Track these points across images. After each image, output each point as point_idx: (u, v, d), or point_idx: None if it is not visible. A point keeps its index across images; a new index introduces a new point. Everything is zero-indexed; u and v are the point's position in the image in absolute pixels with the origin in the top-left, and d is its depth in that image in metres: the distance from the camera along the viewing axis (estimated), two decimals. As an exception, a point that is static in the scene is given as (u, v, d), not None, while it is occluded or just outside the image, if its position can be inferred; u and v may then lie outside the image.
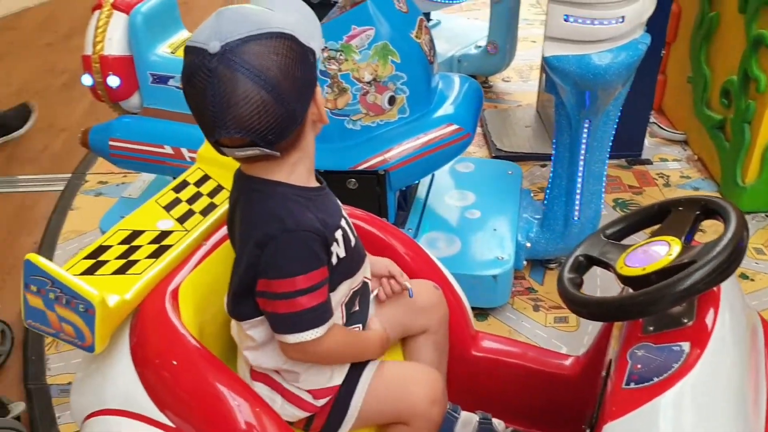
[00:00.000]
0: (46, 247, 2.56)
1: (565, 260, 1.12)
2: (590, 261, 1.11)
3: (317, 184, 1.16)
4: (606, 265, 1.08)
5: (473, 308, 2.09)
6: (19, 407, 1.83)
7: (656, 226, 1.13)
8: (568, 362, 1.42)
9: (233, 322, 1.21)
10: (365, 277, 1.25)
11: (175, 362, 1.08)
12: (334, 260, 1.12)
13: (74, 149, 2.98)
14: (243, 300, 1.12)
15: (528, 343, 1.53)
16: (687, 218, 1.08)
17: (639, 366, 0.92)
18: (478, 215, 2.29)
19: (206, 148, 1.42)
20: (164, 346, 1.09)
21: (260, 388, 1.20)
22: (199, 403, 1.06)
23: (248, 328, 1.16)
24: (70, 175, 2.99)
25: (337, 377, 1.21)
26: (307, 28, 1.02)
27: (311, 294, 1.07)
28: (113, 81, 2.15)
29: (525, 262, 2.25)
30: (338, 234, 1.13)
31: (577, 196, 2.12)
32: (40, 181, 2.99)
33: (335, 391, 1.20)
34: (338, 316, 1.17)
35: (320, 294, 1.08)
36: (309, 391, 1.19)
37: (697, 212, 1.09)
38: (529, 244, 2.22)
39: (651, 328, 0.99)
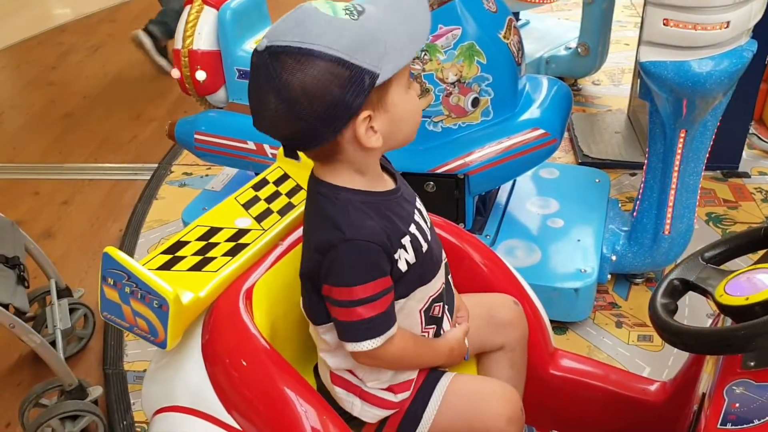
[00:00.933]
0: (130, 235, 2.62)
1: (658, 284, 1.04)
2: (686, 286, 1.03)
3: (389, 188, 1.12)
4: (704, 292, 1.00)
5: (552, 321, 2.04)
6: (97, 391, 1.87)
7: (761, 252, 1.04)
8: (653, 387, 1.33)
9: (311, 325, 1.19)
10: (444, 282, 1.20)
11: (244, 363, 1.07)
12: (402, 267, 1.09)
13: (162, 140, 3.06)
14: (315, 304, 1.11)
15: (610, 365, 1.45)
16: None
17: (737, 405, 0.84)
18: (561, 224, 2.21)
19: (286, 147, 1.41)
20: (235, 346, 1.08)
21: (339, 392, 1.19)
22: (265, 406, 1.05)
23: (323, 332, 1.15)
24: (156, 165, 3.06)
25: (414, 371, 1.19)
26: (384, 45, 0.98)
27: (369, 305, 1.04)
28: (200, 75, 2.17)
29: (609, 276, 2.16)
30: (405, 240, 1.09)
31: (669, 209, 2.01)
32: (128, 170, 3.08)
33: (413, 385, 1.18)
34: (416, 322, 1.15)
35: (380, 304, 1.05)
36: (388, 388, 1.17)
37: None
38: (614, 257, 2.12)
39: (752, 364, 0.90)
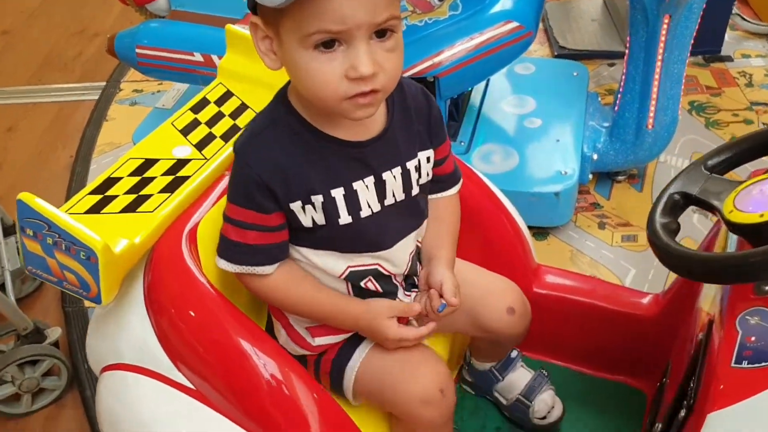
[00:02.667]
0: (81, 161, 2.46)
1: (656, 199, 0.91)
2: (688, 200, 0.90)
3: (347, 137, 0.95)
4: (709, 207, 0.87)
5: (532, 227, 1.94)
6: (55, 333, 1.76)
7: None
8: (645, 301, 1.24)
9: None
10: (381, 266, 1.04)
11: (192, 313, 0.95)
12: (305, 222, 0.96)
13: (108, 56, 2.83)
14: None
15: (598, 279, 1.35)
16: None
17: (753, 339, 0.74)
18: (539, 124, 2.08)
19: (228, 59, 1.25)
20: (180, 295, 0.96)
21: (272, 317, 1.12)
22: (217, 360, 0.93)
23: None
24: (104, 83, 2.86)
25: None
26: None
27: (235, 228, 0.96)
28: (137, -19, 1.97)
29: (590, 176, 2.05)
30: (317, 199, 0.95)
31: (653, 102, 1.89)
32: (75, 90, 2.87)
33: (336, 337, 1.08)
34: (338, 285, 1.04)
35: (246, 235, 0.96)
36: (307, 328, 1.08)
37: None
38: (595, 156, 2.01)
39: (767, 288, 0.79)
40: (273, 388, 0.91)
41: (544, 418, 1.27)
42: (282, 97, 0.97)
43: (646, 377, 1.25)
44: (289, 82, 0.96)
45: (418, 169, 1.02)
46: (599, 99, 2.23)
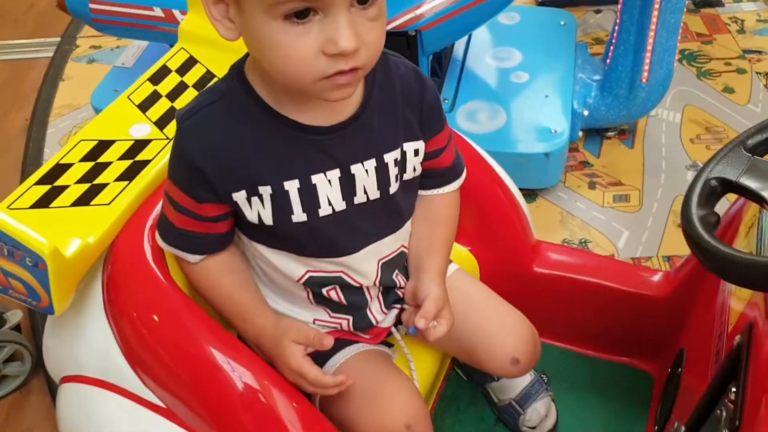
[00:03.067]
0: (37, 125, 2.31)
1: (690, 187, 0.79)
2: (727, 187, 0.78)
3: (311, 122, 0.82)
4: (755, 196, 0.76)
5: (520, 190, 1.85)
6: (16, 316, 1.65)
7: None
8: (656, 279, 1.15)
9: None
10: (346, 274, 0.91)
11: (156, 318, 0.84)
12: (250, 217, 0.83)
13: (62, 8, 2.65)
14: None
15: (602, 256, 1.26)
16: None
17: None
18: (526, 78, 1.95)
19: (189, 21, 1.11)
20: (143, 299, 0.85)
21: None
22: (187, 372, 0.83)
23: None
24: (59, 39, 2.67)
25: None
26: None
27: (169, 205, 0.86)
28: (85, -72, 1.79)
29: (580, 133, 1.94)
30: (265, 190, 0.82)
31: (648, 54, 1.78)
32: (27, 47, 2.68)
33: None
34: (296, 290, 0.92)
35: (176, 217, 0.85)
36: None
37: None
38: (586, 112, 1.90)
39: None
40: (248, 401, 0.82)
41: (534, 428, 1.17)
42: (238, 69, 0.83)
43: (654, 360, 1.17)
44: (248, 53, 0.81)
45: (400, 163, 0.87)
46: (588, 50, 2.11)
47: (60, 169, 0.92)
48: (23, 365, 1.62)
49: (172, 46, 1.15)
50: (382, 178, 0.86)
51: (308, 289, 0.91)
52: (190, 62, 1.06)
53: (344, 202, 0.85)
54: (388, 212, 0.90)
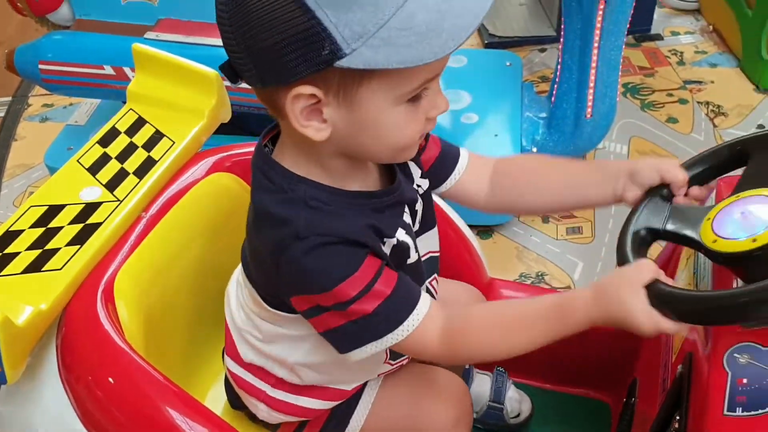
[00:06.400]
0: (-10, 187, 2.28)
1: (619, 239, 0.80)
2: (656, 235, 0.80)
3: (373, 187, 0.85)
4: (683, 240, 0.77)
5: (476, 226, 1.88)
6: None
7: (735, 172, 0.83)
8: (603, 312, 1.18)
9: (235, 305, 0.95)
10: None
11: (111, 380, 0.84)
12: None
13: (12, 68, 2.64)
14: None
15: (553, 289, 1.28)
16: None
17: (745, 381, 0.66)
18: (476, 119, 1.99)
19: (137, 82, 1.12)
20: (97, 362, 0.85)
21: (247, 397, 0.98)
22: (142, 430, 0.82)
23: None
24: (10, 98, 2.65)
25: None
26: (381, 19, 0.66)
27: (358, 302, 0.77)
28: (33, -10, 1.80)
29: (531, 169, 1.99)
30: (390, 241, 0.84)
31: (590, 90, 1.83)
32: (-23, 108, 2.66)
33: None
34: (380, 358, 0.92)
35: (375, 292, 0.78)
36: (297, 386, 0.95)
37: None
38: (535, 149, 1.94)
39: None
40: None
41: (517, 415, 1.23)
42: (287, 178, 0.78)
43: (610, 390, 1.19)
44: (266, 160, 0.80)
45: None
46: (534, 88, 2.17)
47: (10, 236, 0.92)
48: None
49: (125, 103, 1.17)
50: (416, 218, 0.90)
51: (387, 351, 0.89)
52: (139, 123, 1.07)
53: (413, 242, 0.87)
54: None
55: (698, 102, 2.31)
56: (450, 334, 0.79)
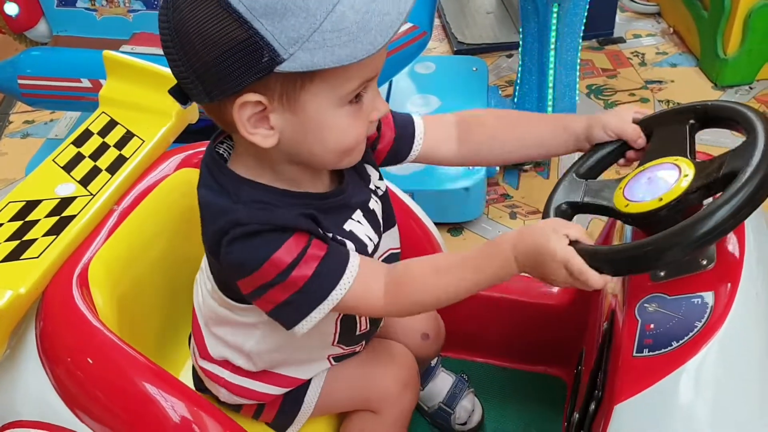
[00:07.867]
0: (-26, 202, 2.32)
1: (543, 211, 0.90)
2: (576, 208, 0.89)
3: (321, 189, 0.90)
4: (600, 208, 0.86)
5: (446, 224, 1.94)
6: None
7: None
8: (555, 290, 1.25)
9: (199, 292, 1.01)
10: None
11: (90, 360, 0.90)
12: None
13: (-8, 87, 2.68)
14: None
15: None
16: (680, 132, 0.87)
17: (652, 326, 0.74)
18: (444, 121, 2.08)
19: (109, 87, 1.19)
20: (75, 343, 0.91)
21: (208, 381, 1.04)
22: (122, 407, 0.89)
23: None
24: (-9, 116, 2.71)
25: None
26: (315, 24, 0.70)
27: (289, 278, 0.82)
28: (11, 9, 1.87)
29: (498, 168, 2.07)
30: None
31: (550, 90, 1.92)
32: (-41, 127, 2.70)
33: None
34: (329, 331, 0.96)
35: (303, 267, 0.82)
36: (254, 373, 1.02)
37: (691, 121, 0.88)
38: (500, 148, 2.02)
39: (662, 274, 0.80)
40: (182, 429, 0.87)
41: (465, 423, 1.28)
42: (232, 181, 0.83)
43: (563, 365, 1.26)
44: (215, 161, 0.85)
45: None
46: (500, 92, 2.26)
47: (-11, 229, 0.98)
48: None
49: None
50: (372, 218, 0.94)
51: (338, 325, 0.95)
52: (110, 124, 1.14)
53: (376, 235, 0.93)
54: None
55: (659, 100, 2.40)
56: (391, 286, 0.84)
